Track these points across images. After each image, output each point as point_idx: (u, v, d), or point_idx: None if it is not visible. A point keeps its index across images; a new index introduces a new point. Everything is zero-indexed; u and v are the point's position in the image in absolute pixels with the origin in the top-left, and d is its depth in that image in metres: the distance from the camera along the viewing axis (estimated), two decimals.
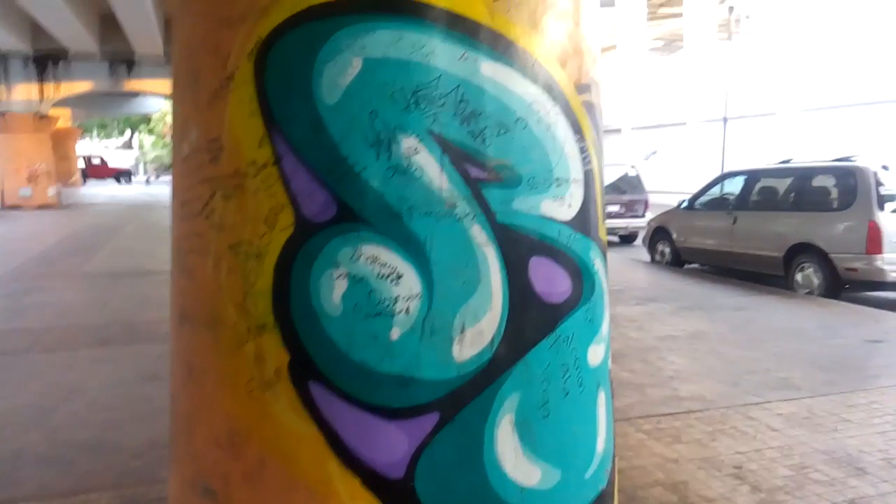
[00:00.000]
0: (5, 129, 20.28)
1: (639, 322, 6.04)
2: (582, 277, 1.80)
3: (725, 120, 18.89)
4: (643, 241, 10.77)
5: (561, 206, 1.74)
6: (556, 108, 1.81)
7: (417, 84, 1.60)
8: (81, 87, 20.87)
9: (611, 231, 13.78)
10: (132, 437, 3.45)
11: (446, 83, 1.62)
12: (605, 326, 2.00)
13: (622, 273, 8.82)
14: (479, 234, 1.61)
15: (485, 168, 1.61)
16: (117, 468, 3.10)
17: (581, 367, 1.83)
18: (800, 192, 7.98)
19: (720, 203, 9.13)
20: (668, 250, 9.83)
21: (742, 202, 8.67)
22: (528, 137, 1.73)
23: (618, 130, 28.84)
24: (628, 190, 13.80)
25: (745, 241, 8.38)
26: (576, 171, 1.83)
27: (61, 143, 34.13)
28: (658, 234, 10.12)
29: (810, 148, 19.91)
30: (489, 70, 1.66)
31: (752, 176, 8.78)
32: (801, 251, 7.64)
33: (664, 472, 3.00)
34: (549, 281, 1.72)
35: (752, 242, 8.29)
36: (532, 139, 1.74)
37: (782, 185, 8.37)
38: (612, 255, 10.90)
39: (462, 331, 1.59)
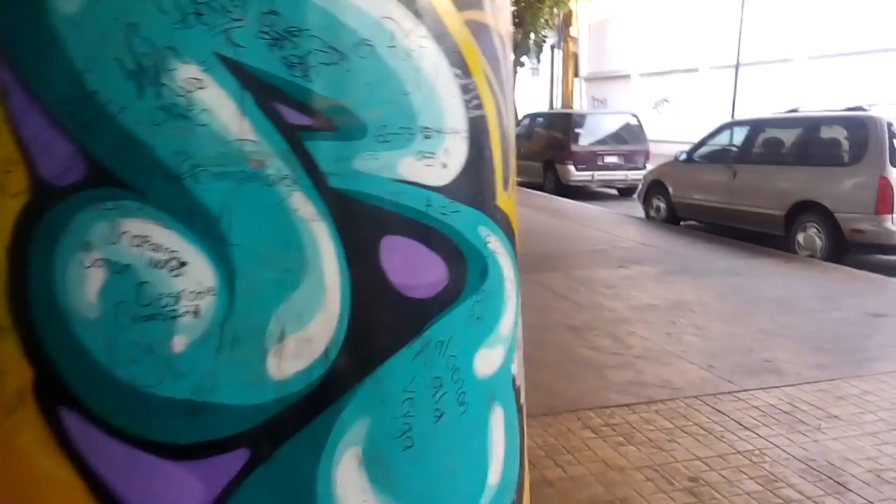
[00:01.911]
0: None
1: (616, 288, 5.53)
2: (465, 262, 1.33)
3: (737, 66, 17.94)
4: (637, 195, 10.18)
5: (430, 167, 1.25)
6: (420, 29, 1.27)
7: None
8: None
9: (609, 184, 13.18)
10: None
11: None
12: (505, 323, 1.53)
13: (610, 231, 8.27)
14: (304, 205, 1.14)
15: (309, 112, 1.13)
16: None
17: (463, 379, 1.36)
18: (806, 144, 7.34)
19: (720, 155, 8.49)
20: (663, 206, 9.24)
21: (743, 155, 8.04)
22: (374, 69, 1.19)
23: (626, 76, 27.78)
24: (629, 140, 13.14)
25: (745, 197, 7.79)
26: (454, 119, 1.29)
27: None
28: (654, 188, 9.51)
29: (829, 97, 19.06)
30: None
31: (756, 126, 8.13)
32: (805, 210, 7.06)
33: (604, 484, 2.53)
34: (412, 268, 1.25)
35: (752, 199, 7.70)
36: (381, 72, 1.20)
37: (788, 136, 7.72)
38: (607, 209, 10.35)
39: (281, 338, 1.15)
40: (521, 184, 13.95)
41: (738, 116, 17.51)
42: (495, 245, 1.39)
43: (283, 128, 1.09)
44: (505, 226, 1.46)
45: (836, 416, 3.17)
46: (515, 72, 29.57)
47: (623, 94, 27.91)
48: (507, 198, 1.56)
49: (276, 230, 1.10)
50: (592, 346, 4.12)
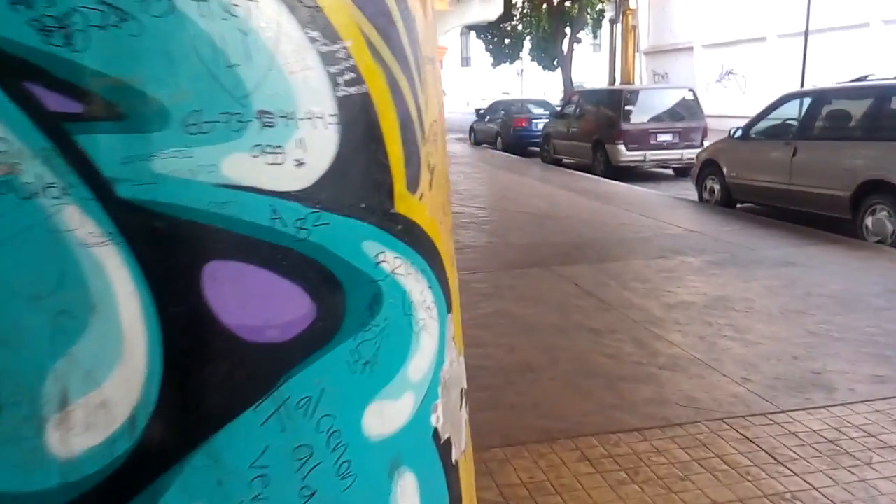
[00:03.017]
0: None
1: (651, 283, 5.00)
2: (342, 291, 0.99)
3: (806, 33, 16.68)
4: (691, 175, 9.46)
5: (275, 165, 0.91)
6: None
7: None
8: None
9: (663, 163, 12.43)
10: None
11: None
12: (416, 365, 1.15)
13: (656, 216, 7.66)
14: (82, 224, 0.82)
15: (79, 95, 0.80)
16: None
17: (346, 444, 1.01)
18: (876, 116, 6.54)
19: (779, 131, 7.73)
20: (717, 187, 8.53)
21: (805, 130, 7.28)
22: (176, 32, 0.84)
23: (689, 49, 26.45)
24: (685, 115, 12.33)
25: (806, 176, 7.05)
26: (312, 99, 0.95)
27: None
28: (707, 167, 8.79)
29: None
30: None
31: (819, 97, 7.34)
32: (874, 190, 6.29)
33: None
34: (254, 304, 0.91)
35: (813, 179, 6.96)
36: (187, 36, 0.84)
37: (856, 108, 6.92)
38: (658, 192, 9.69)
39: (64, 404, 0.84)
40: (569, 165, 13.33)
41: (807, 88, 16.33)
42: (394, 264, 1.09)
43: (43, 118, 0.78)
44: (415, 238, 1.17)
45: (892, 447, 2.62)
46: (572, 48, 28.71)
47: (685, 68, 26.61)
48: (418, 201, 1.20)
49: (43, 259, 0.80)
50: (611, 354, 3.64)
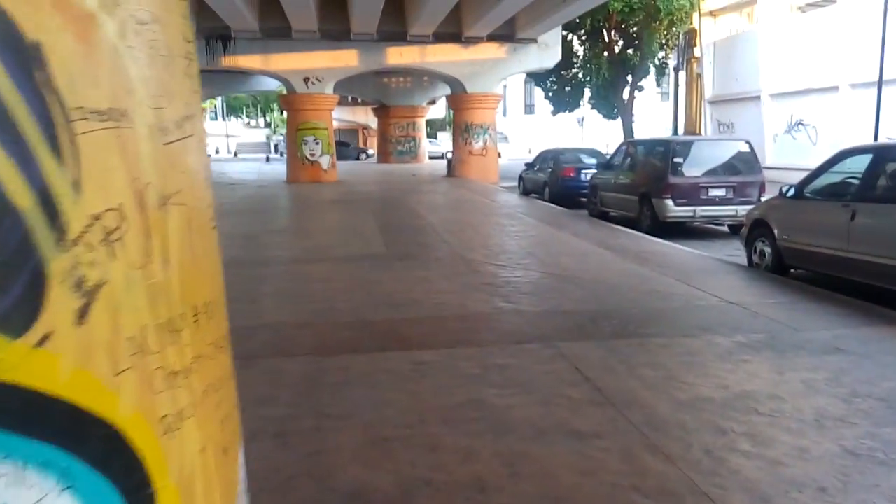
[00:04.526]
0: None
1: (667, 370, 4.27)
2: None
3: (880, 83, 15.57)
4: (740, 236, 8.62)
5: None
6: None
7: None
8: None
9: (715, 220, 11.58)
10: None
11: None
12: None
13: (694, 282, 6.87)
14: None
15: None
16: None
17: None
18: None
19: (835, 190, 6.89)
20: (768, 250, 7.69)
21: (865, 190, 6.42)
22: None
23: (756, 98, 25.33)
24: (741, 169, 11.48)
25: (867, 243, 6.18)
26: None
27: None
28: (758, 228, 7.97)
29: None
30: None
31: (882, 154, 6.49)
32: None
33: None
34: None
35: (875, 246, 6.09)
36: None
37: None
38: (703, 253, 8.88)
39: None
40: (616, 219, 12.59)
41: (879, 141, 15.17)
42: None
43: None
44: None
45: None
46: (633, 97, 28.03)
47: (752, 118, 25.49)
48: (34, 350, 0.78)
49: None
50: (587, 470, 2.96)
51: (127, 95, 0.96)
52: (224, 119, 66.82)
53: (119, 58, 0.95)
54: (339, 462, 3.10)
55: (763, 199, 10.28)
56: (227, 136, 66.37)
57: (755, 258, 7.97)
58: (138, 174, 0.97)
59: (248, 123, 67.04)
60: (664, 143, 12.09)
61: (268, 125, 62.92)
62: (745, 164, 11.52)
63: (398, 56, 22.45)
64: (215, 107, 64.24)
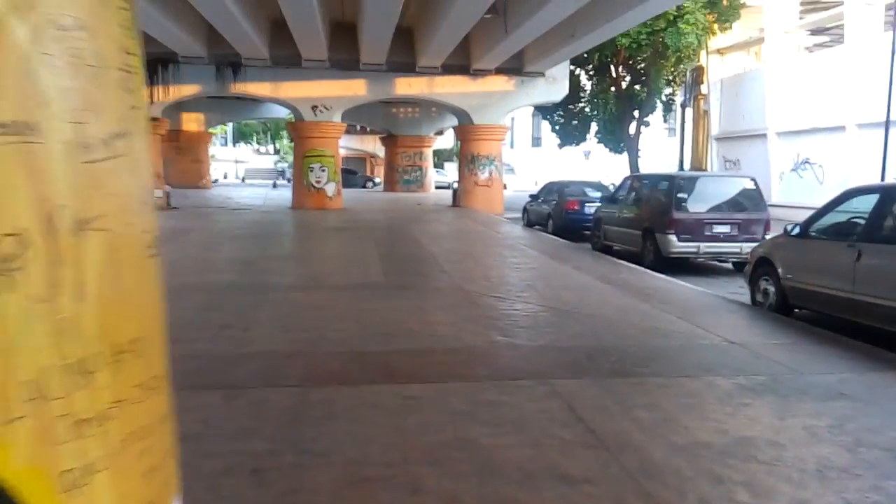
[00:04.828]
0: None
1: (664, 411, 4.12)
2: None
3: (887, 123, 15.53)
4: (744, 274, 8.48)
5: None
6: None
7: None
8: (189, 90, 21.14)
9: (719, 257, 11.46)
10: None
11: None
12: None
13: (696, 320, 6.73)
14: None
15: None
16: None
17: None
18: None
19: (841, 230, 6.78)
20: (772, 290, 7.55)
21: (871, 231, 6.30)
22: None
23: (762, 136, 25.33)
24: (746, 206, 11.39)
25: (872, 285, 6.04)
26: None
27: (192, 147, 35.84)
28: (762, 267, 7.84)
29: None
30: None
31: (888, 194, 6.38)
32: None
33: None
34: None
35: (881, 288, 5.94)
36: None
37: None
38: (707, 291, 8.74)
39: None
40: (619, 254, 12.47)
41: (886, 181, 15.07)
42: None
43: None
44: None
45: None
46: (639, 132, 28.09)
47: (759, 155, 25.48)
48: None
49: None
50: None
51: (38, 107, 0.86)
52: (234, 145, 67.38)
53: (30, 65, 0.85)
54: (315, 502, 2.95)
55: (768, 236, 10.16)
56: (236, 161, 66.81)
57: (759, 297, 7.83)
58: (48, 195, 0.87)
59: (258, 150, 67.54)
60: (669, 178, 12.02)
61: (277, 152, 63.37)
62: (750, 202, 11.42)
63: (406, 86, 22.57)
64: (225, 133, 64.81)
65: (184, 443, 3.45)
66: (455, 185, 26.39)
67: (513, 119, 48.35)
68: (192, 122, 35.49)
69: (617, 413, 4.09)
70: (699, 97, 26.86)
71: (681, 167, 28.50)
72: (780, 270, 7.39)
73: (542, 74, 23.05)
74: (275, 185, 40.15)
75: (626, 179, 14.28)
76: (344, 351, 5.38)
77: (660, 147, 39.14)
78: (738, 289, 9.22)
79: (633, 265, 10.95)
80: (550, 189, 18.39)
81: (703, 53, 25.48)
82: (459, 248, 12.88)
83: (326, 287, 8.37)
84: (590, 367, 5.03)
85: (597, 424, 3.89)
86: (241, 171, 63.30)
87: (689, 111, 27.63)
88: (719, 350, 5.62)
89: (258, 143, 67.12)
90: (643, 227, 11.81)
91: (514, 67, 22.50)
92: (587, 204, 16.10)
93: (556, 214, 16.95)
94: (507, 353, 5.41)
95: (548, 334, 6.05)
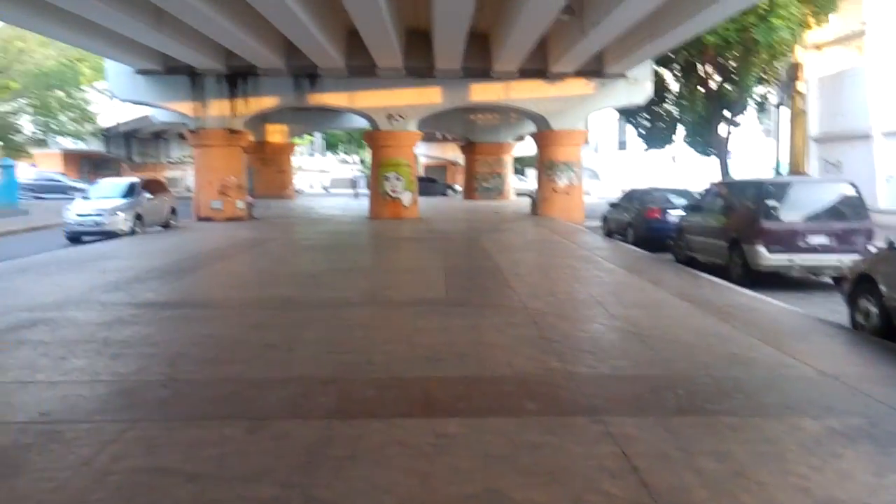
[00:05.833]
0: (200, 144, 21.55)
1: (734, 461, 3.52)
2: None
3: None
4: (843, 292, 7.59)
5: None
6: None
7: None
8: (268, 102, 21.50)
9: (815, 270, 10.43)
10: None
11: None
12: None
13: (784, 345, 5.98)
14: None
15: None
16: None
17: None
18: None
19: None
20: (874, 311, 6.68)
21: None
22: None
23: (866, 136, 23.46)
24: (846, 214, 10.34)
25: None
26: None
27: (276, 158, 36.73)
28: (862, 284, 6.97)
29: None
30: None
31: None
32: None
33: None
34: None
35: None
36: None
37: None
38: (810, 304, 7.92)
39: None
40: (704, 266, 11.61)
41: None
42: None
43: None
44: None
45: None
46: (729, 132, 26.60)
47: (862, 157, 23.62)
48: None
49: None
50: None
51: None
52: (322, 155, 68.96)
53: None
54: None
55: (870, 247, 9.13)
56: (321, 171, 68.30)
57: (859, 318, 6.95)
58: None
59: (344, 160, 68.89)
60: (757, 184, 11.09)
61: (361, 161, 64.40)
62: (850, 209, 10.36)
63: (482, 93, 22.20)
64: (312, 143, 66.39)
65: (189, 484, 3.12)
66: (533, 193, 25.78)
67: (597, 122, 47.09)
68: (276, 133, 36.42)
69: (678, 462, 3.53)
70: (795, 96, 25.21)
71: (777, 170, 26.83)
72: (883, 289, 6.51)
73: (623, 76, 22.17)
74: (356, 195, 40.64)
75: (712, 186, 13.35)
76: (384, 377, 5.01)
77: (756, 149, 37.14)
78: (837, 307, 8.29)
79: (716, 279, 10.12)
80: (632, 196, 17.55)
81: (797, 49, 23.86)
82: (529, 260, 12.35)
83: (382, 303, 8.07)
84: (653, 403, 4.46)
85: (653, 476, 3.35)
86: (327, 181, 64.68)
87: (784, 111, 26.01)
88: (808, 383, 4.91)
89: (345, 153, 68.46)
90: (730, 238, 10.94)
91: (594, 70, 21.73)
92: (670, 212, 15.21)
93: (637, 223, 16.12)
94: (560, 383, 4.90)
95: (609, 361, 5.49)
